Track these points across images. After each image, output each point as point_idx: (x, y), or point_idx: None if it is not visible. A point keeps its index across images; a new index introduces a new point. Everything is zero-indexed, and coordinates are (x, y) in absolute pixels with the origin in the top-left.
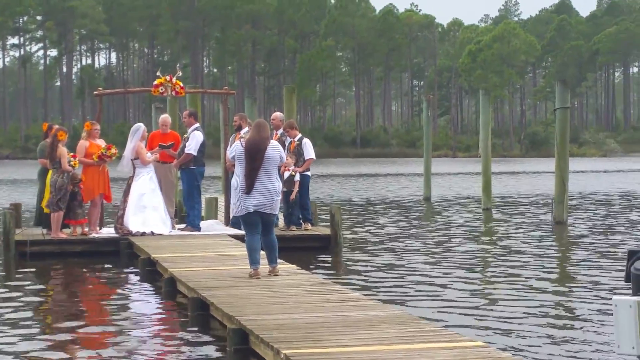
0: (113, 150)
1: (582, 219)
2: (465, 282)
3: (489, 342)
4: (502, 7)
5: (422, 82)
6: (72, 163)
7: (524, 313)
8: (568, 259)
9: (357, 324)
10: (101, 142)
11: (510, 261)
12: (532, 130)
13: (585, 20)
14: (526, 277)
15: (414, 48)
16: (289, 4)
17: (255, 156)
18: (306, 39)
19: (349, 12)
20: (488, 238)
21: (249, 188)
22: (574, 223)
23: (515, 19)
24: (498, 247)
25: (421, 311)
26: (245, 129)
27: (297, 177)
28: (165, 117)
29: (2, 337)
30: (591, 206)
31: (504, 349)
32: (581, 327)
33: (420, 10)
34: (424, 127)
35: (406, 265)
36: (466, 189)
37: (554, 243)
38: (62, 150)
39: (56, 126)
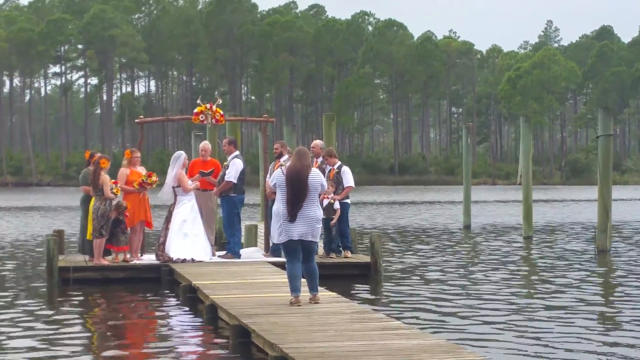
0: (154, 178)
1: (626, 247)
2: (507, 311)
3: None
4: (542, 33)
5: (460, 109)
6: (114, 191)
7: (569, 343)
8: (613, 288)
9: (399, 353)
10: (142, 170)
11: (553, 290)
12: (573, 157)
13: (627, 46)
14: (569, 307)
15: (453, 75)
16: (326, 32)
17: (297, 184)
18: (344, 66)
19: (386, 39)
20: (529, 266)
21: (291, 216)
22: (617, 251)
23: (555, 45)
24: (540, 275)
25: (463, 340)
26: (285, 157)
27: (337, 205)
28: (206, 144)
29: None
30: (634, 235)
31: None
32: None
33: (459, 36)
34: (464, 154)
35: (446, 293)
36: (506, 216)
37: (597, 272)
38: (105, 178)
39: (98, 154)
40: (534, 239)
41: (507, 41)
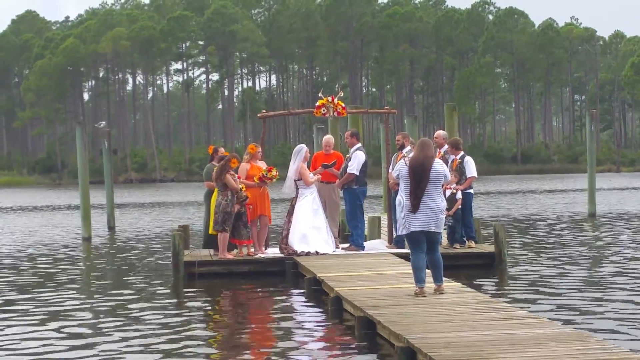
0: (274, 172)
1: None
2: (636, 299)
3: None
4: None
5: (583, 97)
6: (241, 187)
7: None
8: None
9: (526, 342)
10: (262, 164)
11: None
12: None
13: None
14: None
15: (575, 62)
16: (446, 22)
17: (420, 175)
18: (464, 56)
19: (507, 27)
20: None
21: (414, 207)
22: None
23: None
24: None
25: (590, 328)
26: (408, 148)
27: (459, 195)
28: (329, 138)
29: (172, 355)
30: None
31: None
32: None
33: (580, 23)
34: (587, 142)
35: (573, 282)
36: (632, 204)
37: None
38: (229, 179)
39: (221, 149)
40: None
41: (630, 26)
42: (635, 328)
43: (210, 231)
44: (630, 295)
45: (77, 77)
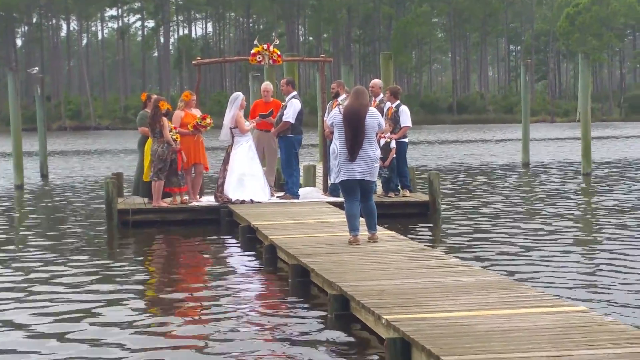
0: (208, 120)
1: None
2: (566, 247)
3: (592, 307)
4: None
5: (519, 47)
6: (174, 137)
7: (629, 279)
8: None
9: (458, 290)
10: (197, 112)
11: (614, 226)
12: (632, 94)
13: None
14: (631, 242)
15: (511, 12)
16: None
17: (355, 123)
18: (402, 5)
19: None
20: (589, 203)
21: (352, 156)
22: None
23: None
24: (599, 212)
25: (522, 276)
26: (343, 96)
27: (393, 144)
28: (267, 84)
29: (105, 303)
30: None
31: (607, 314)
32: None
33: None
34: (522, 92)
35: (505, 231)
36: (565, 154)
37: None
38: (165, 121)
39: (154, 96)
40: (593, 175)
41: None
42: (564, 275)
43: (145, 178)
44: (559, 244)
45: (10, 22)
